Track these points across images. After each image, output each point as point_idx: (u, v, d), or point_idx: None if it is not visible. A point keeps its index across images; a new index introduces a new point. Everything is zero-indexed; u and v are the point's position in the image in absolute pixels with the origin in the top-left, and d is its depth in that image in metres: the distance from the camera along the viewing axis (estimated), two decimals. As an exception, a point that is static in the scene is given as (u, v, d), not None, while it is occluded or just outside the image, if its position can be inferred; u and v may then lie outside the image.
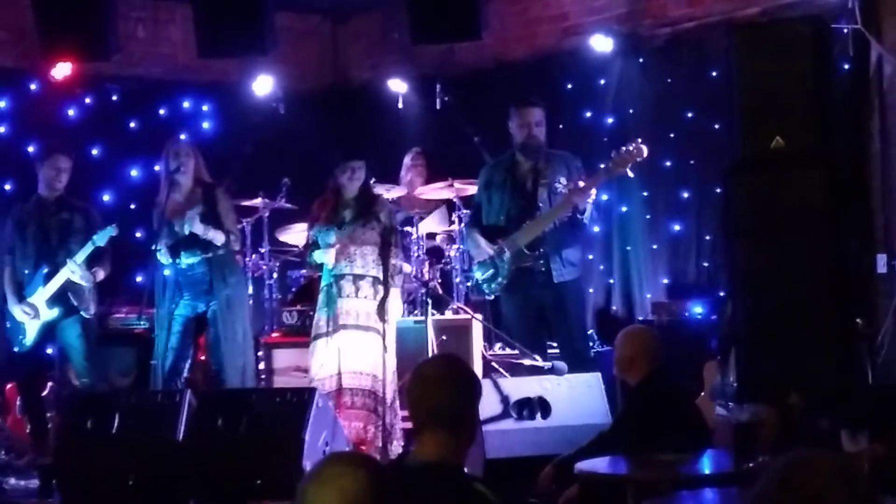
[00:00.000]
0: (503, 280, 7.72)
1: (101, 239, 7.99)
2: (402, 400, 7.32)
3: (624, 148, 7.49)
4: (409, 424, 7.35)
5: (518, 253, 7.64)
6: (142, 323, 9.00)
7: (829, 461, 2.16)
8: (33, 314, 8.03)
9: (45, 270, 8.04)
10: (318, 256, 7.65)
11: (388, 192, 8.76)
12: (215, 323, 7.75)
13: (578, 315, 7.97)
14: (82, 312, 8.11)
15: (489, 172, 8.03)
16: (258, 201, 8.96)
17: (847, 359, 6.12)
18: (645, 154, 7.46)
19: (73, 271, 7.99)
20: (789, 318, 6.05)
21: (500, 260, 7.69)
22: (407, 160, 9.80)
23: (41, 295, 8.02)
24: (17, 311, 8.06)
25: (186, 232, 7.66)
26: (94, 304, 8.23)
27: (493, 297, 7.97)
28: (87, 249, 8.00)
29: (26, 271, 8.11)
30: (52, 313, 8.04)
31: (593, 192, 7.60)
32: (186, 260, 7.73)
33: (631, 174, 7.61)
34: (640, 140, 7.51)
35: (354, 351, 7.48)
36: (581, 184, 7.55)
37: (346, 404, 7.39)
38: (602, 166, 7.69)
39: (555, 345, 7.87)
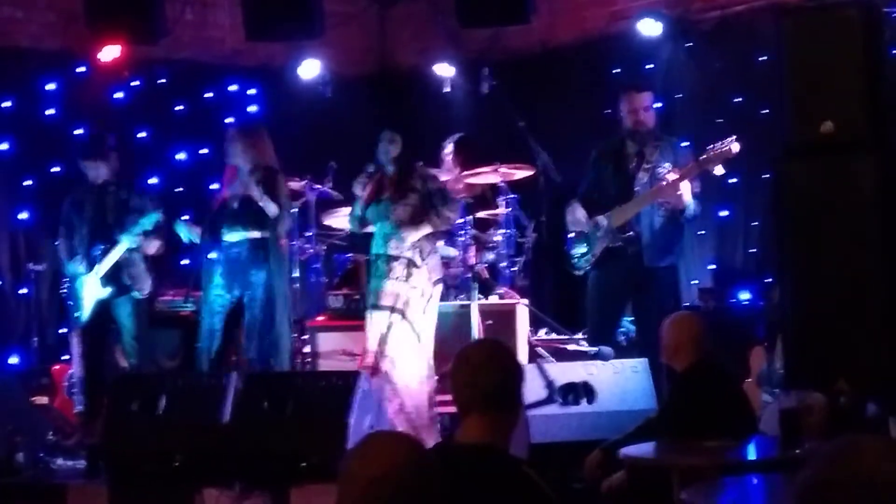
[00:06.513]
0: (591, 257, 7.67)
1: (148, 222, 8.02)
2: (444, 385, 7.27)
3: (720, 144, 7.36)
4: (436, 413, 7.38)
5: (610, 232, 7.61)
6: (188, 306, 9.06)
7: (881, 444, 2.14)
8: (87, 270, 8.06)
9: (101, 248, 8.06)
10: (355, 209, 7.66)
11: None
12: (252, 307, 7.72)
13: (666, 302, 7.43)
14: (135, 293, 8.15)
15: (600, 150, 7.92)
16: (304, 185, 8.91)
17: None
18: (735, 151, 7.31)
19: (130, 244, 8.02)
20: (837, 304, 5.98)
21: (592, 236, 7.66)
22: (446, 148, 9.64)
23: (96, 272, 8.05)
24: (74, 267, 8.11)
25: (235, 206, 7.69)
26: (150, 283, 8.26)
27: (582, 273, 7.81)
28: (141, 227, 8.02)
29: (79, 254, 8.14)
30: (105, 292, 8.06)
31: (687, 186, 7.45)
32: (227, 237, 7.73)
33: (722, 171, 7.48)
34: (734, 137, 7.38)
35: (381, 333, 7.42)
36: (671, 177, 7.45)
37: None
38: (694, 161, 7.55)
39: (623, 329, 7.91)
